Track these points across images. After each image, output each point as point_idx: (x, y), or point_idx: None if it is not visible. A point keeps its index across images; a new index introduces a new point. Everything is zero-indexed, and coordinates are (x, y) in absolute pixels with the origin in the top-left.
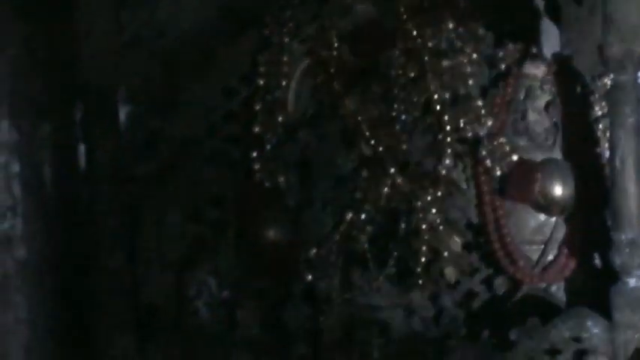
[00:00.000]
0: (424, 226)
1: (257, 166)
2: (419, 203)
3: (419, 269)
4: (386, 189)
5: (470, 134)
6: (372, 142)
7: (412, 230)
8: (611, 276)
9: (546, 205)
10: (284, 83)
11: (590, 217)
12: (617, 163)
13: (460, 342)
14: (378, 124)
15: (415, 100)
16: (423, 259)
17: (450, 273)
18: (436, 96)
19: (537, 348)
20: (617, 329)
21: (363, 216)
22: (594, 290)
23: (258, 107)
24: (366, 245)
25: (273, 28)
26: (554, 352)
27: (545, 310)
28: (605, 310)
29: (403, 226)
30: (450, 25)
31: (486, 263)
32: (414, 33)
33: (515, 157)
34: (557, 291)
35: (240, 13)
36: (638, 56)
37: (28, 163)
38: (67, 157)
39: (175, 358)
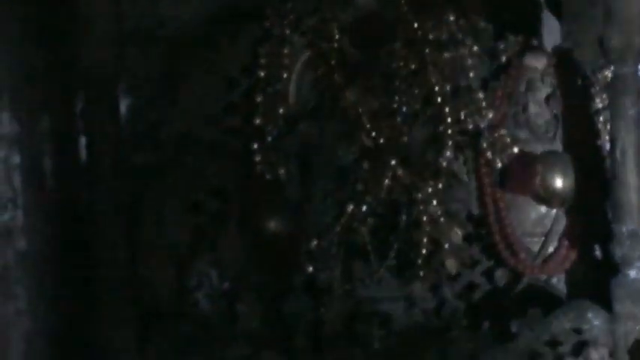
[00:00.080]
0: (425, 218)
1: (258, 158)
2: (420, 195)
3: (420, 261)
4: (387, 181)
5: (471, 126)
6: (373, 134)
7: (413, 222)
8: (612, 268)
9: (547, 197)
10: (285, 75)
11: (590, 209)
12: (618, 155)
13: (461, 333)
14: (378, 116)
15: (416, 92)
16: (424, 251)
17: (451, 265)
18: (437, 88)
19: (538, 339)
20: (618, 321)
21: (363, 208)
22: (595, 282)
23: (259, 99)
24: (366, 237)
25: (274, 20)
26: (554, 343)
27: (546, 302)
28: (605, 302)
29: (404, 217)
30: (451, 18)
31: (487, 255)
32: (415, 25)
33: (515, 150)
34: (558, 283)
35: (241, 4)
36: (638, 48)
37: (28, 155)
38: (68, 148)
39: (175, 349)
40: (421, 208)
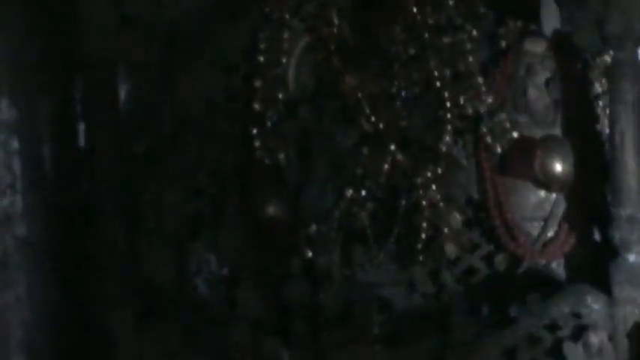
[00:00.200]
0: (424, 203)
1: (257, 143)
2: (419, 180)
3: (419, 246)
4: (386, 165)
5: (470, 111)
6: (373, 118)
7: (412, 207)
8: (611, 251)
9: (546, 182)
10: (284, 60)
11: (590, 193)
12: (617, 139)
13: (461, 318)
14: (378, 100)
15: (415, 77)
16: (424, 236)
17: (451, 249)
18: (436, 73)
19: (537, 324)
20: (617, 305)
21: (363, 193)
22: (594, 266)
23: (258, 84)
24: (366, 222)
25: (273, 5)
26: (554, 327)
27: (546, 286)
28: (604, 286)
29: (403, 202)
30: (450, 2)
31: (487, 239)
32: (414, 10)
33: (515, 134)
34: (558, 267)
35: None
36: (637, 33)
37: (27, 140)
38: (67, 134)
39: (174, 335)
40: (421, 192)
